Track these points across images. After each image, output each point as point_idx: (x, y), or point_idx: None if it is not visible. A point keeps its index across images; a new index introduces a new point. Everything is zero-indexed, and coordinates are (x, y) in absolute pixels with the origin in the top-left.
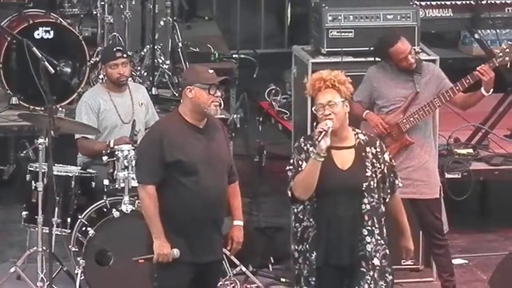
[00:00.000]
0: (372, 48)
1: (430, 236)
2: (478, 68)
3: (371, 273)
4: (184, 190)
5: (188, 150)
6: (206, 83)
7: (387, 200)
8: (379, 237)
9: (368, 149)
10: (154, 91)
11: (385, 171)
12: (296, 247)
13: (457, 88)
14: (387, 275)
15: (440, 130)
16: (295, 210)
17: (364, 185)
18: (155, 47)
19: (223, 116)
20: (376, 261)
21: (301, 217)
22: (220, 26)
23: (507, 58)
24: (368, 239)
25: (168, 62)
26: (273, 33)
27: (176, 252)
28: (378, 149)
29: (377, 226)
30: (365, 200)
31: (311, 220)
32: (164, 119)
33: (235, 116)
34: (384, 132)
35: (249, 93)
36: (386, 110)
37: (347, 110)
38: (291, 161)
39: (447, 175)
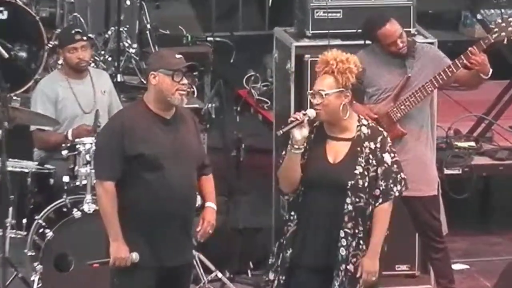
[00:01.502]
0: (359, 30)
1: (427, 238)
2: (467, 51)
3: (343, 279)
4: (147, 187)
5: (152, 143)
6: (170, 68)
7: (376, 205)
8: (361, 242)
9: (366, 143)
10: (119, 78)
11: (379, 171)
12: (278, 240)
13: (450, 70)
14: (359, 286)
15: (439, 121)
16: (286, 201)
17: (350, 183)
18: (121, 29)
19: (197, 105)
20: (350, 267)
21: (288, 209)
22: (194, 5)
23: (503, 34)
24: (343, 242)
25: (135, 45)
26: (253, 14)
27: (135, 256)
28: (378, 145)
29: (361, 229)
30: (348, 200)
31: (292, 213)
32: (126, 108)
33: (209, 105)
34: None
35: (226, 80)
36: (377, 98)
37: (346, 101)
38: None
39: (446, 171)
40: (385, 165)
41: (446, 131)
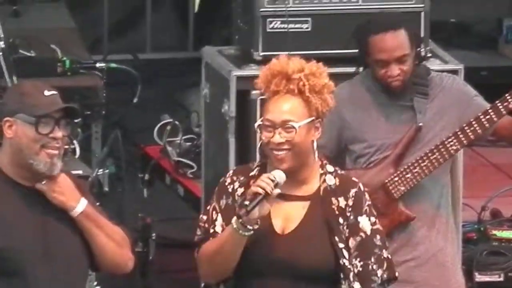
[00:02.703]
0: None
1: None
2: None
3: None
4: None
5: (9, 230)
6: (34, 114)
7: None
8: None
9: (334, 200)
10: None
11: (351, 244)
12: None
13: (488, 118)
14: None
15: (466, 197)
16: None
17: (315, 262)
18: None
19: (80, 172)
20: None
21: None
22: (75, 11)
23: None
24: None
25: None
26: (168, 25)
27: None
28: (350, 202)
29: None
30: None
31: None
32: None
33: (100, 172)
34: None
35: (126, 132)
36: (367, 161)
37: (317, 137)
38: (208, 208)
39: (479, 277)
40: (361, 234)
41: (478, 212)
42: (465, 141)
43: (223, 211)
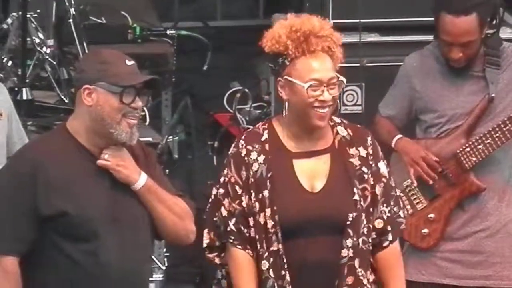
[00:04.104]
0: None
1: None
2: None
3: None
4: (70, 266)
5: (82, 197)
6: (119, 83)
7: (384, 245)
8: None
9: (353, 151)
10: (25, 93)
11: (377, 191)
12: None
13: None
14: None
15: None
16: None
17: (351, 216)
18: (27, 15)
19: (150, 139)
20: None
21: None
22: None
23: None
24: None
25: (50, 42)
26: None
27: None
28: (370, 151)
29: (365, 283)
30: (348, 242)
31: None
32: (40, 141)
33: (170, 139)
34: (431, 174)
35: (196, 99)
36: (437, 131)
37: None
38: (224, 180)
39: None
40: (383, 180)
41: None
42: None
43: (245, 186)
